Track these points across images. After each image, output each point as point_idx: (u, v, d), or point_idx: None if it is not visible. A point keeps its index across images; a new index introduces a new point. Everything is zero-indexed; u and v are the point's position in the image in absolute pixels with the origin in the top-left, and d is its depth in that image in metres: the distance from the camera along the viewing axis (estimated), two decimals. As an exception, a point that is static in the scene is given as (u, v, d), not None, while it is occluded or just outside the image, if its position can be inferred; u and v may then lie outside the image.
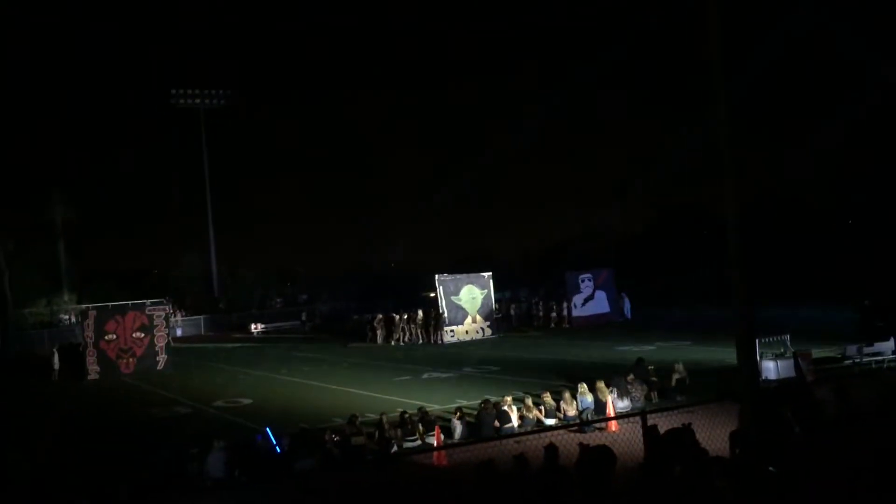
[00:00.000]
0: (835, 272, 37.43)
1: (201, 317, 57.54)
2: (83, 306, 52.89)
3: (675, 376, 17.58)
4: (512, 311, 41.10)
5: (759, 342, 17.85)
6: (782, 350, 18.23)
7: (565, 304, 38.78)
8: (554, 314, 39.04)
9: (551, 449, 7.73)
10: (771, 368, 17.57)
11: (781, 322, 21.42)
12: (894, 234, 40.51)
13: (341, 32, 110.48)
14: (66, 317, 55.36)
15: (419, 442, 14.81)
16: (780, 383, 16.77)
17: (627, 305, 39.73)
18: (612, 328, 35.46)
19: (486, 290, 36.87)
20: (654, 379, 17.71)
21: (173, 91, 64.41)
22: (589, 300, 38.85)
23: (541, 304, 40.71)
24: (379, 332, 37.09)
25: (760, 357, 17.56)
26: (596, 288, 39.10)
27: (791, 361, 17.59)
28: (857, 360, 18.74)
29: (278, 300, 65.61)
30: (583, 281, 38.90)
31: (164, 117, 71.88)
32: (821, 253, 43.45)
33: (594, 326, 36.54)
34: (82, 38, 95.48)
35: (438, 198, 68.05)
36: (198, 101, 65.12)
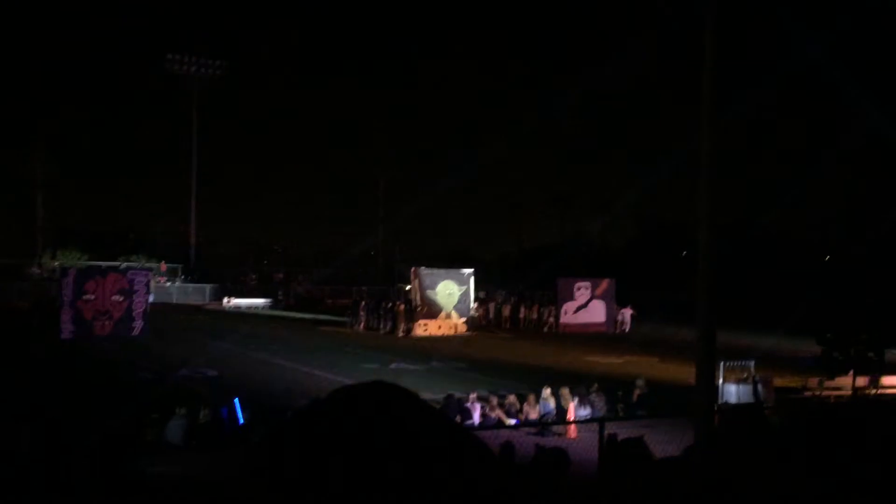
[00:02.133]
0: (809, 305, 37.86)
1: (207, 285, 56.79)
2: (56, 263, 52.64)
3: (637, 391, 17.79)
4: (489, 311, 41.10)
5: (724, 366, 18.17)
6: (745, 375, 18.48)
7: (551, 309, 38.73)
8: (535, 317, 39.18)
9: (507, 447, 7.85)
10: (732, 392, 17.81)
11: (748, 349, 21.71)
12: (869, 271, 41.08)
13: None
14: (38, 271, 54.81)
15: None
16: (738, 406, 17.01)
17: (628, 318, 39.58)
18: (587, 338, 35.53)
19: (464, 287, 36.89)
20: (619, 392, 17.91)
21: (169, 56, 63.92)
22: (582, 308, 38.68)
23: (521, 306, 40.74)
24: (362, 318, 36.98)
25: (723, 380, 17.86)
26: (593, 297, 38.99)
27: (751, 387, 17.85)
28: (818, 393, 19.07)
29: (253, 276, 65.36)
30: (578, 289, 38.76)
31: (157, 82, 71.51)
32: (797, 284, 43.93)
33: (573, 334, 36.52)
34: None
35: (424, 190, 68.10)
36: (192, 68, 64.60)
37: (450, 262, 51.14)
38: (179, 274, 60.24)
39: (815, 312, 27.50)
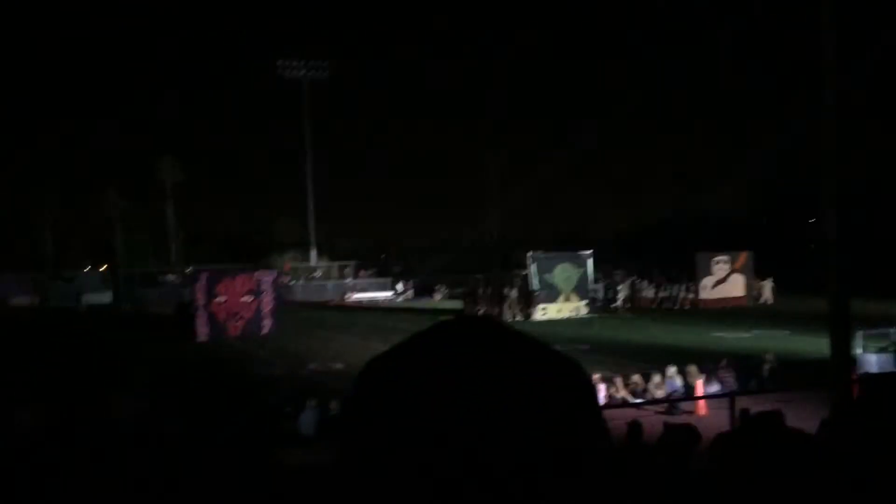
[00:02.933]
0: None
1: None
2: (189, 269, 55.49)
3: (766, 366, 17.17)
4: (615, 293, 40.63)
5: (864, 335, 17.29)
6: (886, 344, 17.53)
7: (687, 286, 38.08)
8: (663, 294, 38.66)
9: (635, 425, 7.76)
10: (872, 361, 16.92)
11: (886, 316, 20.57)
12: None
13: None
14: (172, 277, 57.93)
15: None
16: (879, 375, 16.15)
17: (769, 291, 38.74)
18: (714, 313, 34.50)
19: (582, 269, 36.57)
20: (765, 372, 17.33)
21: (279, 62, 66.05)
22: (721, 283, 37.92)
23: (644, 284, 40.22)
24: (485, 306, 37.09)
25: (862, 350, 17.00)
26: (732, 271, 38.17)
27: (894, 355, 16.92)
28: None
29: (371, 270, 66.82)
30: (717, 263, 37.97)
31: (269, 88, 74.04)
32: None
33: (709, 309, 35.75)
34: (194, 9, 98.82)
35: (529, 174, 67.54)
36: (302, 72, 66.57)
37: (563, 244, 50.58)
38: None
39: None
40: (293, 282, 58.82)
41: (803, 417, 9.32)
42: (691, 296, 37.81)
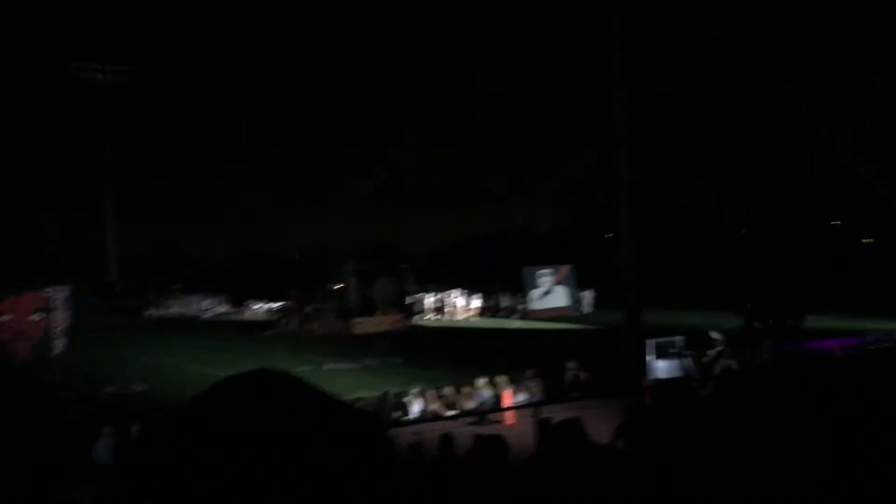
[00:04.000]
0: (726, 279, 39.19)
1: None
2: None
3: (569, 373, 18.12)
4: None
5: (654, 343, 18.63)
6: (672, 351, 18.97)
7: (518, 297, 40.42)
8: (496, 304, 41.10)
9: (445, 438, 7.87)
10: (661, 368, 18.26)
11: (673, 325, 22.28)
12: (784, 241, 42.77)
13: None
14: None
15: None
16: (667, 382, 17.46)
17: (588, 301, 41.00)
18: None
19: (399, 283, 37.26)
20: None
21: (73, 64, 61.87)
22: (547, 294, 40.00)
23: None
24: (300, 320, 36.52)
25: (653, 357, 18.32)
26: (556, 283, 40.24)
27: (679, 362, 18.34)
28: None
29: (176, 287, 63.78)
30: (541, 276, 40.05)
31: (64, 91, 69.18)
32: (712, 259, 45.24)
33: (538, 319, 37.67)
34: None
35: (336, 186, 67.51)
36: (100, 75, 62.70)
37: (377, 258, 50.89)
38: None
39: (734, 285, 28.47)
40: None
41: (601, 422, 9.89)
42: (521, 307, 40.01)
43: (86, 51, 62.96)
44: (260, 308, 51.32)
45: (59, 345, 29.73)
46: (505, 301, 41.05)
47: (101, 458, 12.74)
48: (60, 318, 30.02)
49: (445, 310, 41.78)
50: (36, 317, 29.47)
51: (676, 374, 17.84)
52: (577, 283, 41.53)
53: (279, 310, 39.22)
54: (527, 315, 39.17)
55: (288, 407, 1.12)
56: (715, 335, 19.16)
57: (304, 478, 1.01)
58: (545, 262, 41.93)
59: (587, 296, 41.56)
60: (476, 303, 41.55)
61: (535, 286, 40.06)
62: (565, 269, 41.13)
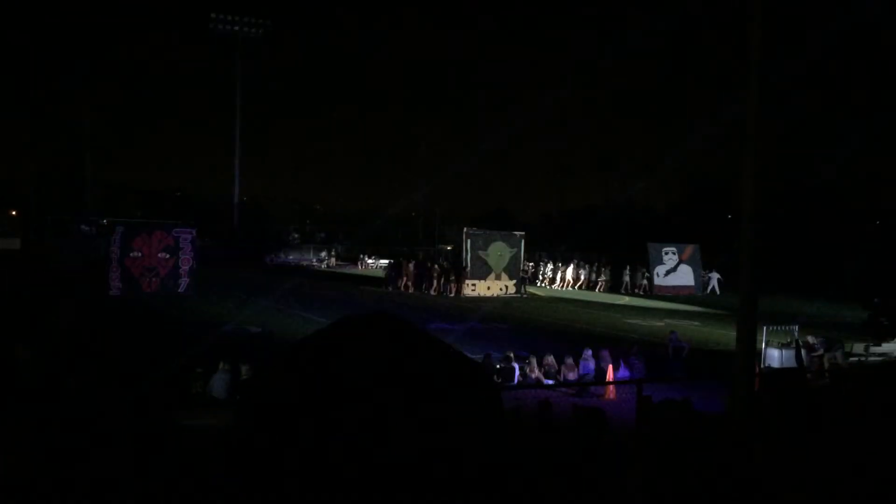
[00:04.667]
0: (855, 270, 37.27)
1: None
2: (105, 220, 53.70)
3: (671, 346, 17.89)
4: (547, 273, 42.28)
5: (767, 330, 17.95)
6: (789, 340, 18.25)
7: (641, 272, 40.18)
8: (596, 278, 41.05)
9: (545, 405, 7.88)
10: (775, 356, 17.60)
11: (793, 313, 21.43)
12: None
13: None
14: (88, 228, 55.98)
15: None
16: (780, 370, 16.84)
17: (715, 283, 40.70)
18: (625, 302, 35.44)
19: (515, 249, 36.89)
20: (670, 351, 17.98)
21: (213, 15, 64.30)
22: (671, 272, 39.87)
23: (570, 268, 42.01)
24: (410, 280, 36.94)
25: (766, 344, 17.66)
26: (681, 262, 40.12)
27: (794, 352, 17.62)
28: (863, 359, 18.75)
29: (295, 236, 66.04)
30: (666, 253, 39.99)
31: (201, 42, 71.98)
32: (843, 249, 43.12)
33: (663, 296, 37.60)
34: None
35: (462, 152, 67.78)
36: (237, 28, 64.95)
37: (490, 222, 50.99)
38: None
39: (863, 277, 27.01)
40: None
41: (707, 405, 9.64)
42: (645, 283, 39.79)
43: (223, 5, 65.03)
44: (374, 263, 52.51)
45: (183, 283, 31.31)
46: (625, 275, 40.65)
47: (217, 391, 13.41)
48: (186, 258, 31.53)
49: (560, 279, 41.71)
50: (164, 255, 31.08)
51: (790, 364, 17.15)
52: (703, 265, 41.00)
53: (391, 266, 39.87)
54: (650, 291, 38.99)
55: (404, 346, 1.15)
56: (811, 340, 18.39)
57: (417, 414, 1.04)
58: (663, 239, 41.25)
59: (714, 277, 40.86)
60: (591, 275, 41.29)
61: (660, 262, 39.78)
62: (691, 249, 40.63)
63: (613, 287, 40.64)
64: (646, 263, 39.94)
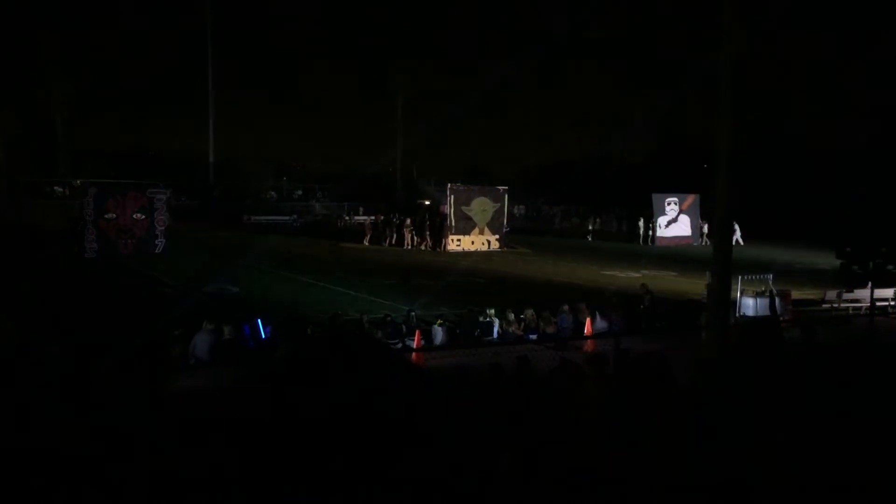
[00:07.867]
0: (829, 217, 37.72)
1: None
2: (78, 182, 52.94)
3: (646, 298, 18.18)
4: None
5: (742, 279, 18.22)
6: (763, 288, 18.52)
7: (647, 223, 40.87)
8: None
9: (522, 360, 7.99)
10: (749, 305, 17.89)
11: (767, 262, 21.73)
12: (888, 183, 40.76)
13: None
14: (60, 189, 55.24)
15: (400, 345, 15.11)
16: (754, 319, 17.13)
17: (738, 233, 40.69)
18: (606, 252, 35.65)
19: (498, 204, 36.87)
20: (642, 306, 18.11)
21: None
22: (672, 223, 40.43)
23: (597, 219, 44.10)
24: (407, 235, 36.88)
25: (741, 294, 17.94)
26: (681, 212, 40.59)
27: (769, 300, 17.91)
28: (836, 305, 19.12)
29: (272, 193, 65.55)
30: (668, 203, 40.42)
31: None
32: (816, 197, 43.49)
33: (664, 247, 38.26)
34: None
35: (437, 107, 67.20)
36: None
37: (468, 178, 50.85)
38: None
39: (837, 226, 27.37)
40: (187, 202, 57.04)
41: (682, 357, 9.82)
42: (650, 233, 40.39)
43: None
44: (352, 220, 52.38)
45: (160, 244, 31.09)
46: (639, 227, 41.48)
47: (200, 351, 13.32)
48: (161, 219, 31.25)
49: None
50: (139, 215, 30.78)
51: (765, 312, 17.46)
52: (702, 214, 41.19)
53: (372, 222, 39.78)
54: (653, 242, 39.61)
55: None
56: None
57: None
58: (642, 191, 41.70)
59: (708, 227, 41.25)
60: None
61: (662, 213, 40.24)
62: (692, 198, 40.97)
63: (629, 239, 41.47)
64: (634, 215, 40.62)
